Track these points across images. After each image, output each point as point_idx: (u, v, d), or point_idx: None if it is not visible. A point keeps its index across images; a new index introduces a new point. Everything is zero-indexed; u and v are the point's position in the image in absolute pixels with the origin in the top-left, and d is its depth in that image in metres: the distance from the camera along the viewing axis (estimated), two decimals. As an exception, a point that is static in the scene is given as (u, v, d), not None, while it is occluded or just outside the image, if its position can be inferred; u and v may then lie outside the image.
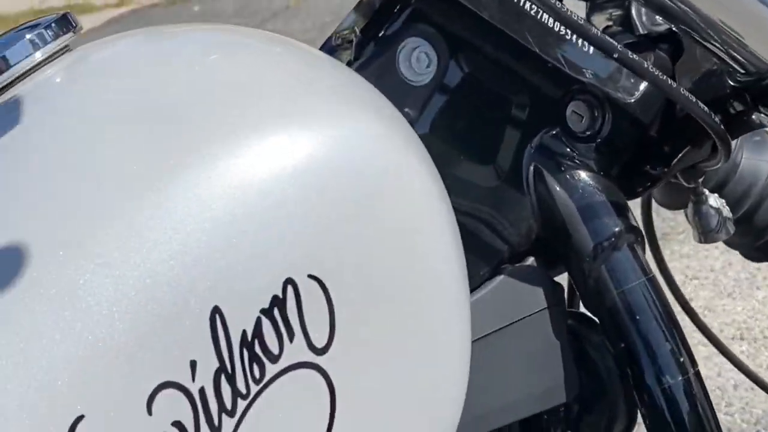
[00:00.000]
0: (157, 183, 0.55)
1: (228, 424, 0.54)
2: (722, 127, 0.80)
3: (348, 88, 0.63)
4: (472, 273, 0.79)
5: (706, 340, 2.55)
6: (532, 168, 0.81)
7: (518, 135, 0.81)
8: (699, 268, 2.48)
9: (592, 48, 0.81)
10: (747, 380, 2.30)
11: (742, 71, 0.76)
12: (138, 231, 0.54)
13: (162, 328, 0.53)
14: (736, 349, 2.20)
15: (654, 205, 3.20)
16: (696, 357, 2.28)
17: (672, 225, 2.67)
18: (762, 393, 2.18)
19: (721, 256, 2.49)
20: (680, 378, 0.78)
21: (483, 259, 0.80)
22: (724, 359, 2.33)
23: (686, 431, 0.78)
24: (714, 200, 0.91)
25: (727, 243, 1.15)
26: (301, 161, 0.56)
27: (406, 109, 0.76)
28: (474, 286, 0.80)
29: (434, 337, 0.61)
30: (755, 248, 1.10)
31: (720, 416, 2.10)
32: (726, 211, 0.91)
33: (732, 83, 0.80)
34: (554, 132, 0.81)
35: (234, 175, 0.55)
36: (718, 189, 1.05)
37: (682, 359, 0.78)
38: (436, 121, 0.79)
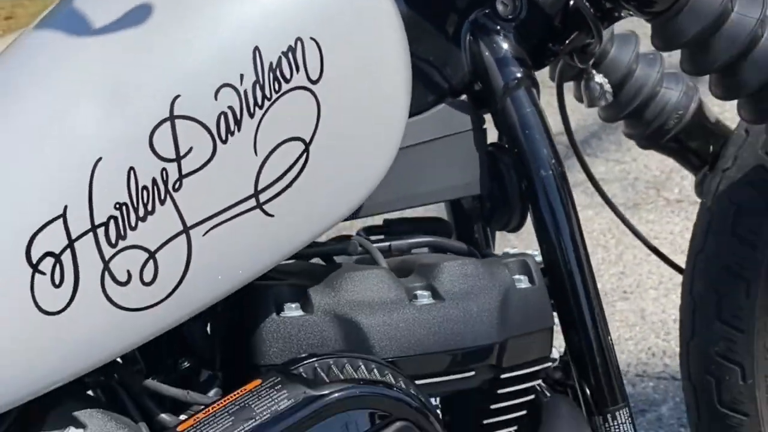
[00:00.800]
0: None
1: (258, 113, 0.95)
2: (597, 17, 1.21)
3: None
4: (422, 97, 1.20)
5: (657, 283, 2.91)
6: (468, 34, 1.21)
7: (461, 11, 1.21)
8: (660, 230, 2.87)
9: None
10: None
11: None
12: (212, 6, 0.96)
13: (224, 57, 0.95)
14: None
15: (630, 179, 3.63)
16: (648, 298, 2.77)
17: (643, 197, 3.07)
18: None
19: (681, 222, 2.89)
20: (551, 172, 1.17)
21: (429, 89, 1.20)
22: (669, 300, 2.72)
23: (554, 215, 1.18)
24: (599, 78, 1.31)
25: (626, 135, 1.54)
26: None
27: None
28: (422, 110, 1.21)
29: (384, 94, 1.02)
30: (644, 137, 1.49)
31: (659, 342, 2.50)
32: (607, 87, 1.31)
33: (604, -16, 1.21)
34: (486, 12, 1.21)
35: None
36: (619, 88, 1.45)
37: (553, 161, 1.18)
38: (407, -1, 1.20)
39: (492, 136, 1.24)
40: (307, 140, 0.98)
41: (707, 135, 1.48)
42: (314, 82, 0.97)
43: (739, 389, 1.40)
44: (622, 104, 1.45)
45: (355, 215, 1.14)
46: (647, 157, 3.26)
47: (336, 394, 0.97)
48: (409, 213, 1.26)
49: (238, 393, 0.98)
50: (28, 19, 7.05)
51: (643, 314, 2.57)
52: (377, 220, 1.27)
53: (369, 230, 1.27)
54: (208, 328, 1.13)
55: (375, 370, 1.01)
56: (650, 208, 2.99)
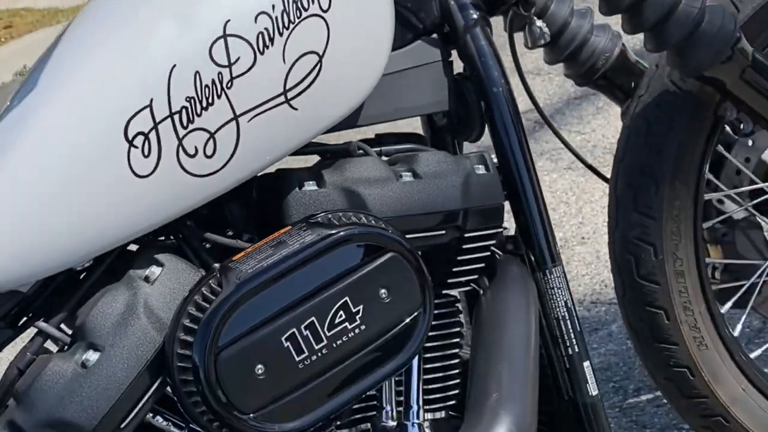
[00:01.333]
0: None
1: (285, 33, 1.32)
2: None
3: None
4: (403, 35, 1.57)
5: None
6: None
7: None
8: (614, 187, 3.26)
9: None
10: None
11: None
12: None
13: None
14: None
15: (589, 147, 4.11)
16: (602, 242, 3.21)
17: (600, 161, 3.46)
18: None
19: (632, 180, 3.28)
20: (500, 89, 1.54)
21: (408, 29, 1.57)
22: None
23: (504, 122, 1.55)
24: (539, 23, 1.68)
25: (566, 75, 1.93)
26: None
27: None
28: (403, 45, 1.58)
29: (375, 25, 1.40)
30: (579, 76, 1.88)
31: (611, 276, 2.85)
32: (545, 29, 1.69)
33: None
34: None
35: None
36: (557, 36, 1.84)
37: (502, 81, 1.53)
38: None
39: (458, 69, 1.62)
40: (321, 53, 1.36)
41: (629, 73, 1.86)
42: (325, 11, 1.35)
43: (652, 264, 1.79)
44: (560, 49, 1.83)
45: (352, 124, 1.52)
46: (604, 129, 3.67)
47: (343, 232, 1.35)
48: (394, 129, 1.64)
49: (275, 234, 1.36)
50: (26, 27, 7.42)
51: (598, 255, 2.96)
52: (370, 134, 1.65)
53: (364, 141, 1.65)
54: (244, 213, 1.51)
55: (372, 220, 1.39)
56: (606, 170, 3.35)
